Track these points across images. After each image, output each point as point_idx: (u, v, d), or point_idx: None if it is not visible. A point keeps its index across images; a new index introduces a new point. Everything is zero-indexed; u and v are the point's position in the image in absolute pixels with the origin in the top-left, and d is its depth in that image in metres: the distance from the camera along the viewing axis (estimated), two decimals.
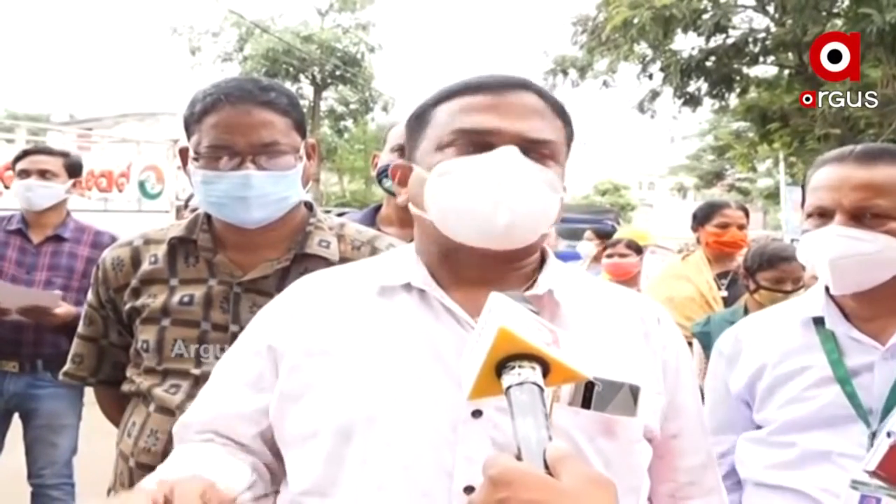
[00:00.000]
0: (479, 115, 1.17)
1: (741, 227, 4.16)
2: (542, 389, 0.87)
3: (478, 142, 1.16)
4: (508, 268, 1.21)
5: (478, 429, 1.08)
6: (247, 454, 1.21)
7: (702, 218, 4.21)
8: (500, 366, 0.89)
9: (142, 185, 11.93)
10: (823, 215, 1.61)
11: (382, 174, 2.54)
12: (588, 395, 1.11)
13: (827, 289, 1.68)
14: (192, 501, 0.91)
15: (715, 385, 1.81)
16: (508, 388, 0.88)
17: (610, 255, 5.02)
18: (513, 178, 1.13)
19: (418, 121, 1.26)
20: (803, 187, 1.74)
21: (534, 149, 1.17)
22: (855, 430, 1.57)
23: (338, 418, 1.11)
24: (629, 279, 4.95)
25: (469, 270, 1.20)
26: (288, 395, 1.17)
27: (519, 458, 0.83)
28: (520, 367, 0.88)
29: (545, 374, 0.89)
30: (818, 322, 1.67)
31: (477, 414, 1.08)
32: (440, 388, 1.10)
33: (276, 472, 1.22)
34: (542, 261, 1.27)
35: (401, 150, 2.45)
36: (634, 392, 1.14)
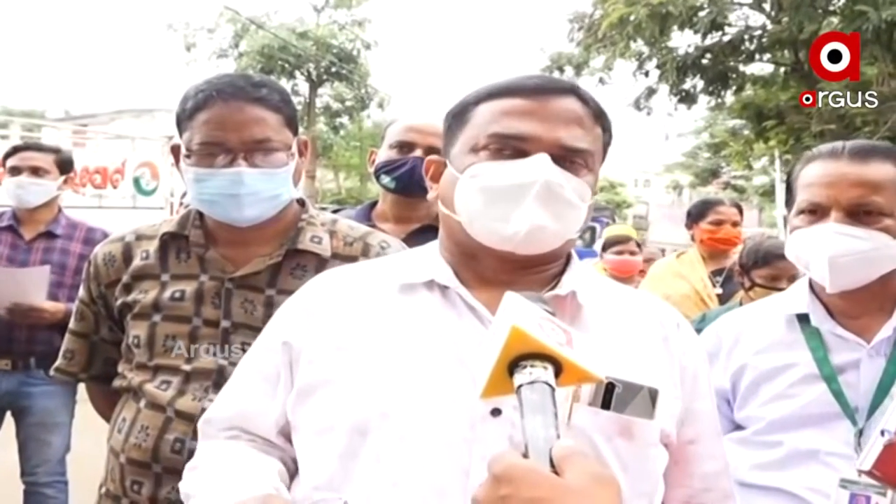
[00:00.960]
0: (518, 120, 1.17)
1: (735, 224, 4.18)
2: (553, 389, 0.87)
3: (513, 147, 1.17)
4: (531, 271, 1.21)
5: (496, 427, 1.08)
6: (272, 449, 1.22)
7: (696, 215, 4.24)
8: (513, 365, 0.90)
9: (137, 181, 11.89)
10: (817, 212, 1.59)
11: (380, 171, 2.53)
12: (608, 396, 1.12)
13: (811, 286, 1.67)
14: None
15: None
16: (519, 386, 0.88)
17: (620, 252, 5.00)
18: (541, 187, 1.13)
19: (457, 118, 1.25)
20: (789, 182, 1.71)
21: (568, 157, 1.17)
22: (841, 428, 1.57)
23: (353, 413, 1.11)
24: (629, 277, 4.97)
25: (492, 271, 1.20)
26: (304, 389, 1.17)
27: (526, 455, 0.83)
28: (532, 366, 0.88)
29: (558, 374, 0.89)
30: (801, 319, 1.66)
31: (496, 412, 1.08)
32: (459, 386, 1.10)
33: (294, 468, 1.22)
34: (566, 262, 1.28)
35: (399, 147, 2.46)
36: (653, 395, 1.14)
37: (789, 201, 1.70)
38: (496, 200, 1.15)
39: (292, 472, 1.20)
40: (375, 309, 1.20)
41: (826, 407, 1.58)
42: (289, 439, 1.21)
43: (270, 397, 1.22)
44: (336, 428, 1.12)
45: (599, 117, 1.23)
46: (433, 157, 1.31)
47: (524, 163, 1.15)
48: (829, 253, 1.55)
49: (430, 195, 1.29)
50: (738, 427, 1.72)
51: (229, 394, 1.31)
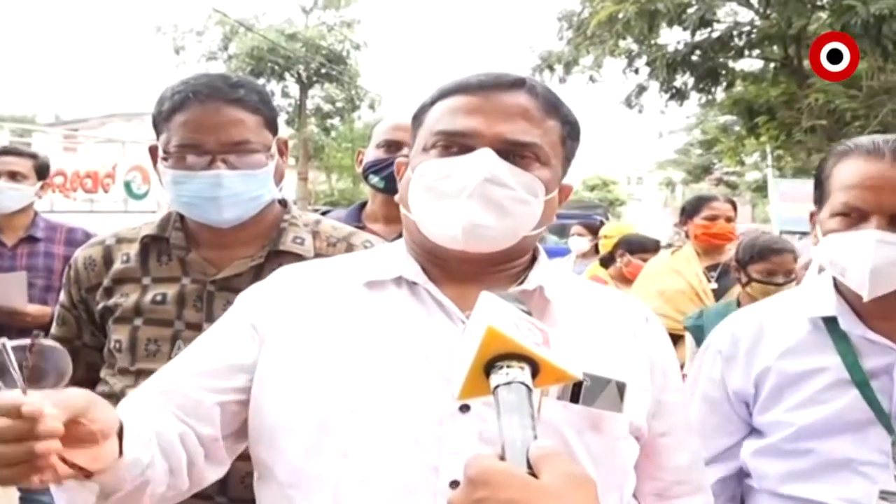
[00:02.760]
0: (462, 117, 1.18)
1: (729, 220, 4.19)
2: (529, 389, 0.86)
3: (458, 144, 1.17)
4: (496, 268, 1.21)
5: (465, 423, 1.07)
6: (182, 423, 1.12)
7: (690, 211, 4.26)
8: (489, 365, 0.88)
9: (128, 185, 11.88)
10: (854, 216, 1.50)
11: (368, 171, 2.51)
12: (577, 390, 1.11)
13: (836, 286, 1.59)
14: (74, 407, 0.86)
15: (709, 385, 1.70)
16: (496, 387, 0.86)
17: (646, 260, 4.96)
18: (479, 182, 1.13)
19: (416, 120, 1.27)
20: (820, 178, 1.62)
21: (515, 151, 1.17)
22: (875, 435, 1.50)
23: (317, 410, 1.10)
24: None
25: (456, 268, 1.20)
26: (265, 382, 1.15)
27: (503, 457, 0.82)
28: (508, 366, 0.87)
29: (535, 374, 0.88)
30: (827, 321, 1.58)
31: (464, 409, 1.08)
32: (428, 382, 1.09)
33: (212, 450, 1.15)
34: (533, 259, 1.28)
35: (387, 146, 2.45)
36: (621, 388, 1.14)
37: (820, 199, 1.61)
38: (439, 198, 1.16)
39: (190, 450, 1.12)
40: (343, 304, 1.19)
41: (859, 414, 1.51)
42: (225, 419, 1.15)
43: (232, 384, 1.16)
44: (302, 423, 1.10)
45: (552, 110, 1.21)
46: (402, 159, 1.30)
47: (464, 158, 1.15)
48: (872, 263, 1.47)
49: (397, 197, 1.28)
50: (755, 431, 1.65)
51: (183, 374, 1.19)
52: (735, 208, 4.36)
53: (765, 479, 1.60)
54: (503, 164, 1.14)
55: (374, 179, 2.50)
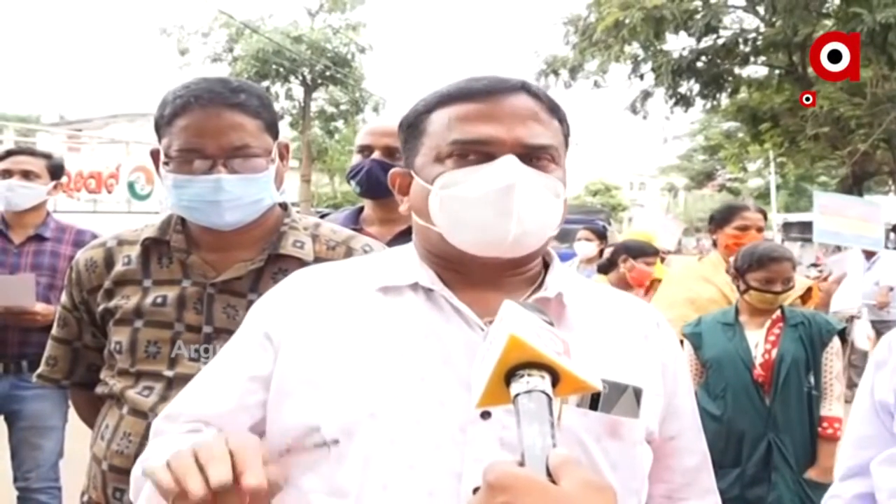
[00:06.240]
0: (476, 124, 1.16)
1: (760, 230, 4.07)
2: (550, 398, 0.87)
3: (477, 152, 1.16)
4: (514, 272, 1.22)
5: (486, 430, 1.07)
6: None
7: (720, 220, 4.13)
8: (510, 374, 0.89)
9: (131, 186, 11.90)
10: None
11: (349, 176, 2.57)
12: (595, 397, 1.12)
13: None
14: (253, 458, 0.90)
15: (862, 393, 1.60)
16: (516, 395, 0.87)
17: (649, 264, 4.93)
18: (518, 190, 1.13)
19: (412, 129, 1.24)
20: None
21: (534, 154, 1.16)
22: None
23: (339, 415, 1.09)
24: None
25: (474, 275, 1.20)
26: (284, 388, 1.15)
27: (522, 464, 0.83)
28: (529, 375, 0.88)
29: (555, 383, 0.89)
30: None
31: (486, 415, 1.07)
32: (448, 388, 1.09)
33: None
34: (545, 262, 1.28)
35: (360, 151, 2.51)
36: (637, 394, 1.15)
37: None
38: (475, 208, 1.14)
39: None
40: (359, 310, 1.19)
41: None
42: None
43: (249, 391, 1.18)
44: (322, 429, 1.10)
45: (554, 110, 1.22)
46: (397, 169, 1.30)
47: (494, 167, 1.14)
48: None
49: (402, 208, 1.28)
50: None
51: (199, 389, 1.23)
52: (766, 218, 4.24)
53: (879, 491, 1.52)
54: (528, 169, 1.14)
55: (353, 185, 2.54)
